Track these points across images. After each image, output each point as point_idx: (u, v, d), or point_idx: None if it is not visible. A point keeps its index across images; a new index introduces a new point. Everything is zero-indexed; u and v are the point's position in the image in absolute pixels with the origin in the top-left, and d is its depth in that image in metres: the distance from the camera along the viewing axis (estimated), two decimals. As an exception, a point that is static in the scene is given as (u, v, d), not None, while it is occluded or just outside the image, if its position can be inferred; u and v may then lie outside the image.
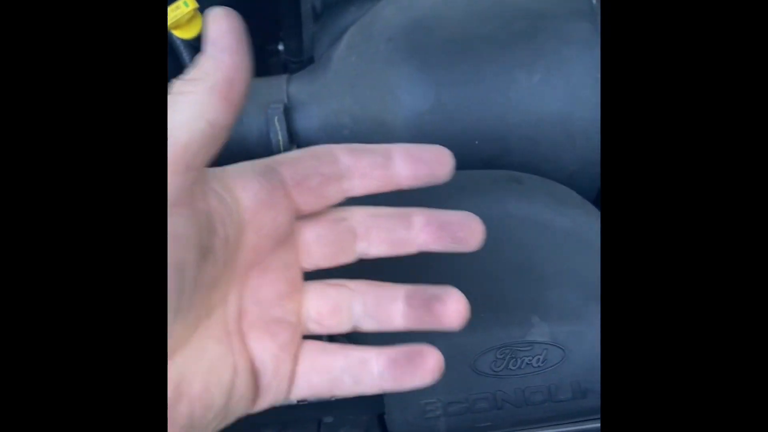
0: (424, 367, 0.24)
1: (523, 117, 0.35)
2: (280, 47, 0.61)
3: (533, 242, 0.32)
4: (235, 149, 0.39)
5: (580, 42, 0.35)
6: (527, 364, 0.31)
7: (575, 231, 0.32)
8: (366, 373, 0.24)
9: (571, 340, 0.31)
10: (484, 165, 0.36)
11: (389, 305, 0.24)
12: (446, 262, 0.32)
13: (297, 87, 0.39)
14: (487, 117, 0.35)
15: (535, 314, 0.31)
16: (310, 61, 0.48)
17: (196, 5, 0.40)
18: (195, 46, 0.46)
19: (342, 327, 0.25)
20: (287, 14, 0.55)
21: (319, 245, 0.25)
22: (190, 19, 0.40)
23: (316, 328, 0.25)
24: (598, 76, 0.35)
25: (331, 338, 0.28)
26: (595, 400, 0.32)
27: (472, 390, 0.31)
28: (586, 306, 0.31)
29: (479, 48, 0.35)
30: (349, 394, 0.24)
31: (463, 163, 0.37)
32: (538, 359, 0.31)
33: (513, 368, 0.31)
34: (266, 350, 0.23)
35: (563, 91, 0.35)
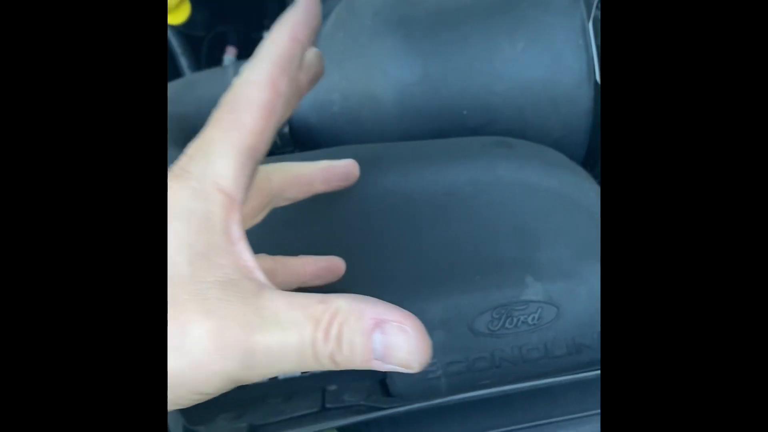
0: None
1: (509, 85, 0.36)
2: (265, 34, 0.61)
3: (524, 204, 0.33)
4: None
5: (562, 9, 0.36)
6: (523, 322, 0.32)
7: (564, 192, 0.33)
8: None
9: (565, 297, 0.32)
10: (472, 133, 0.37)
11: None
12: (439, 225, 0.33)
13: (286, 66, 0.40)
14: (473, 86, 0.36)
15: (528, 274, 0.32)
16: (297, 43, 0.48)
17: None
18: (183, 31, 0.47)
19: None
20: (271, 1, 0.55)
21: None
22: (178, 4, 0.40)
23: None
24: (581, 42, 0.36)
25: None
26: (589, 354, 0.33)
27: (471, 350, 0.32)
28: (578, 264, 0.32)
29: (463, 18, 0.36)
30: None
31: (452, 133, 0.38)
32: (533, 317, 0.32)
33: (509, 327, 0.32)
34: None
35: (547, 57, 0.36)
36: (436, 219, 0.33)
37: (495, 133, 0.36)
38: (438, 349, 0.32)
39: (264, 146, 0.22)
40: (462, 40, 0.36)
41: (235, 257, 0.20)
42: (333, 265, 0.30)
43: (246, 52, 0.58)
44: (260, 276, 0.21)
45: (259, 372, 0.20)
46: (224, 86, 0.40)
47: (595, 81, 0.35)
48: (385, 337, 0.20)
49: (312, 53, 0.26)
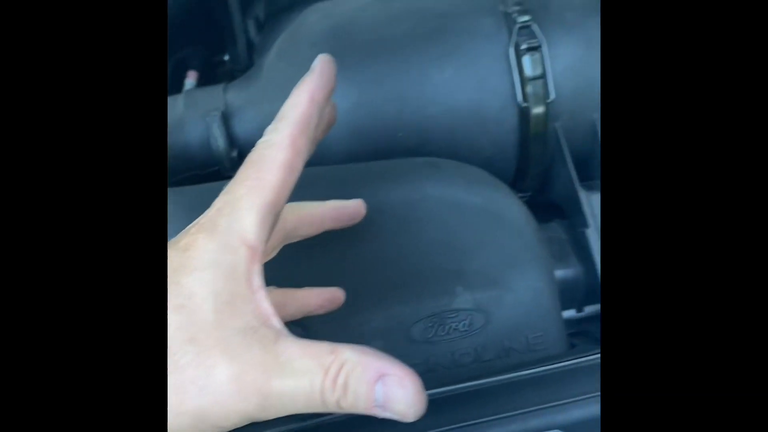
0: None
1: (439, 108, 0.38)
2: (226, 57, 0.63)
3: (452, 220, 0.35)
4: (178, 157, 0.42)
5: (486, 36, 0.39)
6: (454, 329, 0.35)
7: (488, 207, 0.36)
8: None
9: (493, 304, 0.35)
10: (409, 154, 0.39)
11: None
12: (376, 242, 0.35)
13: (234, 94, 0.42)
14: (406, 111, 0.38)
15: (458, 284, 0.35)
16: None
17: None
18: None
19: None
20: (229, 25, 0.58)
21: None
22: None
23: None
24: (504, 66, 0.38)
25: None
26: (518, 357, 0.35)
27: (408, 357, 0.34)
28: (503, 273, 0.35)
29: (394, 48, 0.39)
30: None
31: (390, 153, 0.41)
32: (464, 324, 0.35)
33: (442, 334, 0.35)
34: None
35: (474, 82, 0.38)
36: (373, 236, 0.35)
37: (430, 153, 0.39)
38: (377, 358, 0.34)
39: (284, 200, 0.24)
40: (394, 68, 0.38)
41: (255, 305, 0.23)
42: (334, 296, 0.32)
43: (207, 76, 0.60)
44: (276, 323, 0.23)
45: (272, 413, 0.22)
46: (174, 116, 0.42)
47: (518, 102, 0.38)
48: (387, 389, 0.22)
49: (328, 106, 0.27)
